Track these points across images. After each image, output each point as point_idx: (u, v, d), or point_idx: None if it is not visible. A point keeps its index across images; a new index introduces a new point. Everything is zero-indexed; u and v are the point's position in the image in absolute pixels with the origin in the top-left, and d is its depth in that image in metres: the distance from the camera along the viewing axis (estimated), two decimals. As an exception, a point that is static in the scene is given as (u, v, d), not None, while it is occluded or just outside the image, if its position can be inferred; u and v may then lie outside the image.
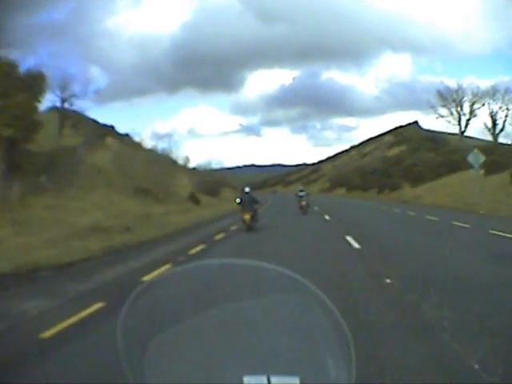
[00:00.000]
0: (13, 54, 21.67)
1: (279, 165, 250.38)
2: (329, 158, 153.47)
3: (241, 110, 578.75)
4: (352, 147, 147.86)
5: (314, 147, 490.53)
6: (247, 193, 17.62)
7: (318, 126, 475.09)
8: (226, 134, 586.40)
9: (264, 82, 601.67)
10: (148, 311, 1.00)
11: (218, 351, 0.97)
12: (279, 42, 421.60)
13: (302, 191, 27.13)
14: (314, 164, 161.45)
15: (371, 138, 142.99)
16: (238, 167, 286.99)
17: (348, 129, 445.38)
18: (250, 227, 16.75)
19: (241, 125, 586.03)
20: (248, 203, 17.08)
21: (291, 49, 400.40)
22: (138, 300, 0.98)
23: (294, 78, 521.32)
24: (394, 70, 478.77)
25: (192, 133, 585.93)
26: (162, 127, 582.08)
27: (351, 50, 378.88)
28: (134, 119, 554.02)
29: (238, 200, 17.65)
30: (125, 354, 0.95)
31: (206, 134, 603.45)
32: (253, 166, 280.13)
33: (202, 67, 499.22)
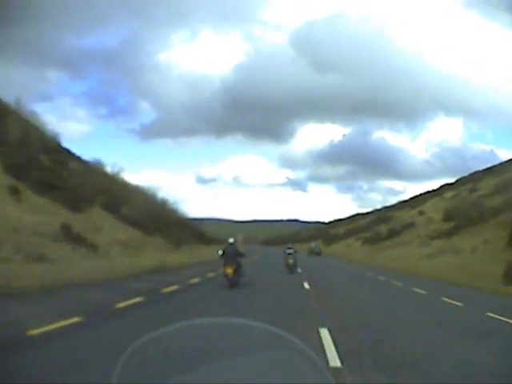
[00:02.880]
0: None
1: (323, 223, 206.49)
2: (402, 203, 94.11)
3: (288, 162, 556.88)
4: (444, 185, 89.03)
5: (358, 208, 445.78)
6: (231, 244, 16.36)
7: (365, 187, 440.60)
8: (271, 185, 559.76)
9: (314, 136, 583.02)
10: (140, 371, 1.01)
11: None
12: (332, 94, 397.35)
13: (290, 248, 24.91)
14: (368, 213, 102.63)
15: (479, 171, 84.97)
16: (282, 221, 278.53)
17: (395, 192, 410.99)
18: (233, 283, 15.28)
19: (287, 178, 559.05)
20: (231, 256, 15.70)
21: (343, 102, 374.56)
22: (130, 359, 1.00)
23: (344, 135, 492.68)
24: (445, 134, 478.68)
25: (237, 181, 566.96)
26: (207, 172, 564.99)
27: (405, 109, 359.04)
28: (179, 159, 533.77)
29: (220, 252, 16.26)
30: None
31: (251, 183, 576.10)
32: (296, 220, 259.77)
33: (251, 113, 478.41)
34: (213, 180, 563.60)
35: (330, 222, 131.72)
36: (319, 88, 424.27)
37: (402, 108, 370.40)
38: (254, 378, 1.00)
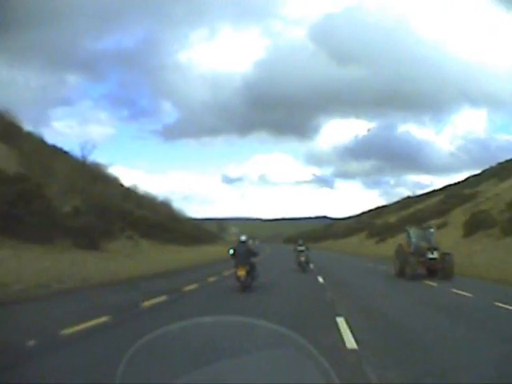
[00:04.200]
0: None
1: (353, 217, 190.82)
2: (473, 177, 67.96)
3: (314, 159, 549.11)
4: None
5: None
6: (243, 242, 14.70)
7: (392, 182, 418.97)
8: (298, 183, 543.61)
9: (338, 131, 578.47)
10: (144, 368, 1.02)
11: None
12: (355, 87, 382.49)
13: (301, 245, 23.26)
14: (422, 195, 77.12)
15: None
16: (310, 218, 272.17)
17: (422, 187, 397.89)
18: (245, 286, 13.66)
19: (314, 175, 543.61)
20: (243, 256, 14.01)
21: (367, 96, 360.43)
22: (134, 357, 1.00)
23: (368, 130, 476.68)
24: (470, 126, 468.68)
25: (263, 179, 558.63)
26: (233, 171, 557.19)
27: (429, 101, 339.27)
28: (204, 159, 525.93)
29: (231, 251, 14.48)
30: None
31: (278, 181, 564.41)
32: (325, 217, 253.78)
33: (275, 110, 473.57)
34: (239, 179, 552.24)
35: (370, 211, 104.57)
36: (341, 82, 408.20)
37: (427, 100, 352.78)
38: (258, 376, 1.00)
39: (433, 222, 45.45)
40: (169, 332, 1.03)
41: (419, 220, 51.62)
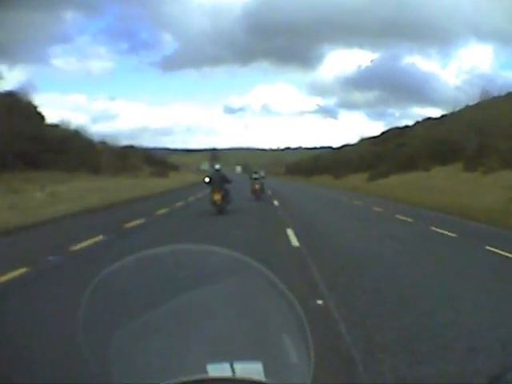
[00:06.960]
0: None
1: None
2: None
3: (317, 89, 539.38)
4: None
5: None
6: (217, 170, 16.82)
7: (397, 114, 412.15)
8: (302, 113, 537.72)
9: (342, 61, 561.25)
10: (105, 304, 1.03)
11: (180, 341, 0.99)
12: (358, 15, 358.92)
13: (256, 173, 25.38)
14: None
15: None
16: (315, 148, 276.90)
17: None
18: (221, 210, 15.88)
19: (318, 105, 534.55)
20: (218, 182, 15.97)
21: (371, 25, 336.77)
22: (94, 293, 1.01)
23: (371, 61, 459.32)
24: (476, 60, 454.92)
25: (267, 110, 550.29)
26: (235, 101, 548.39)
27: (436, 34, 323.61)
28: (205, 90, 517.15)
29: (206, 179, 16.41)
30: (87, 347, 0.99)
31: (281, 112, 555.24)
32: (330, 147, 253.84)
33: (276, 39, 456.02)
34: (241, 109, 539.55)
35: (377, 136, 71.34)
36: (345, 10, 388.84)
37: (433, 32, 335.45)
38: (221, 304, 1.01)
39: None
40: (124, 266, 1.00)
41: None
